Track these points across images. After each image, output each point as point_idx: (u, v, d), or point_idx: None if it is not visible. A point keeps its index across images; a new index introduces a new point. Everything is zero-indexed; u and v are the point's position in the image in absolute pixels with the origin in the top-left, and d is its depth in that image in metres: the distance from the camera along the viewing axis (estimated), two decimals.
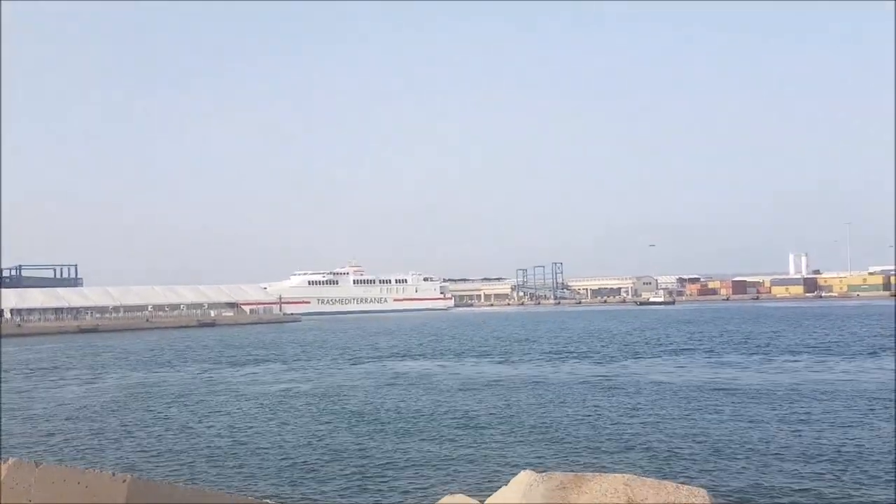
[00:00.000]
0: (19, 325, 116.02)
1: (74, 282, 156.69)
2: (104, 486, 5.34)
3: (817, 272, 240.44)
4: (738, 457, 19.62)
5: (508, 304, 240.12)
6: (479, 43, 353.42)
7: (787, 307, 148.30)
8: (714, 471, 18.25)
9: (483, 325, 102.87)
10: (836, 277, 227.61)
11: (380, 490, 17.72)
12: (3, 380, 44.97)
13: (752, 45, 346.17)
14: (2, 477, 5.00)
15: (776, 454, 19.81)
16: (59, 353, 68.49)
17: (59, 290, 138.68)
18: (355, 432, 24.85)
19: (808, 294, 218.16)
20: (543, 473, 5.95)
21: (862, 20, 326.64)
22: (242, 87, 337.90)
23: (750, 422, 24.49)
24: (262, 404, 32.19)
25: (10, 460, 5.11)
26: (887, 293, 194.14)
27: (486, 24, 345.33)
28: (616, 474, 5.75)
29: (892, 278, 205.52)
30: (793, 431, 22.73)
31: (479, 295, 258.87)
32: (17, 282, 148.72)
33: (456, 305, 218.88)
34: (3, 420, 29.43)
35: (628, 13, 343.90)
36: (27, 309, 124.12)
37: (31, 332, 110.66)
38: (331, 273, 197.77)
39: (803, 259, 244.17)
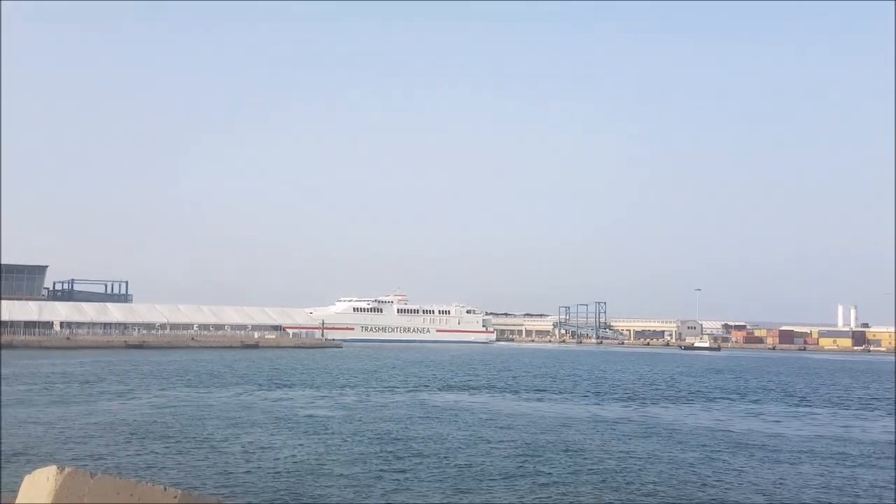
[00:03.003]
0: (68, 338, 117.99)
1: (125, 297, 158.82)
2: (156, 499, 5.34)
3: (866, 325, 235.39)
4: None
5: (549, 341, 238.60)
6: (539, 58, 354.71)
7: (835, 359, 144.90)
8: None
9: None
10: (885, 332, 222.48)
11: None
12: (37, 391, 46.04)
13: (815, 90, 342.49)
14: (57, 485, 5.03)
15: None
16: (103, 368, 69.45)
17: (109, 305, 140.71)
18: (392, 464, 24.71)
19: (856, 347, 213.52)
20: None
21: None
22: (297, 115, 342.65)
23: None
24: (295, 430, 32.25)
25: (67, 469, 5.14)
26: None
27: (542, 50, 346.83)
28: None
29: None
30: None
31: (521, 330, 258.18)
32: (69, 296, 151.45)
33: (497, 339, 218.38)
34: (44, 430, 29.91)
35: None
36: (76, 322, 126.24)
37: (79, 346, 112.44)
38: (375, 300, 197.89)
39: (852, 311, 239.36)
